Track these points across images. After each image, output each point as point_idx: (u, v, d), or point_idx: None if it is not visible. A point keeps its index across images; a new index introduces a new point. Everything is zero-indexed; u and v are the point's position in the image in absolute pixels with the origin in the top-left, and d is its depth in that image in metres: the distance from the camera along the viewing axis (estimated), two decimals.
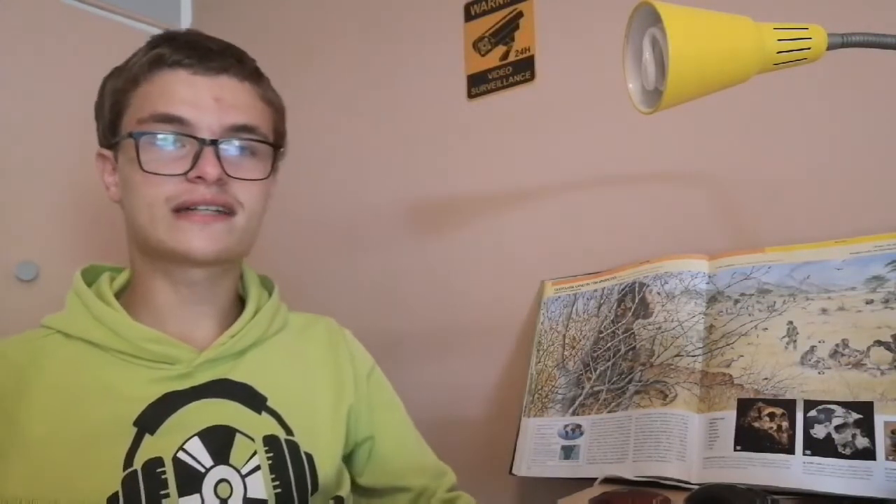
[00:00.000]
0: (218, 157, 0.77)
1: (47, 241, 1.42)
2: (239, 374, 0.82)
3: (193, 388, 0.79)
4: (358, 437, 0.92)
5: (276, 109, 0.88)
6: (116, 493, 0.72)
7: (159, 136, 0.77)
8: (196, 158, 0.77)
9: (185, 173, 0.77)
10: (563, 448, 1.02)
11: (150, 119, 0.77)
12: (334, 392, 0.90)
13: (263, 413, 0.82)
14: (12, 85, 1.40)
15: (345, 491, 0.88)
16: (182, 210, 0.77)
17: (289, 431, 0.83)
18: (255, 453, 0.79)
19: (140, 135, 0.76)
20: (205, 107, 0.78)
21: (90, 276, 0.84)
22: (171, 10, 1.69)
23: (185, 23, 1.71)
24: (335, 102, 1.51)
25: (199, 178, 0.77)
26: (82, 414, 0.74)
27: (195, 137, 0.77)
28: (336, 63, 1.51)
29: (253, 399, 0.82)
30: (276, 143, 0.85)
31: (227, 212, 0.80)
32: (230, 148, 0.80)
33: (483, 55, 1.30)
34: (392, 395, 0.98)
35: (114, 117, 0.81)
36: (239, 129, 0.80)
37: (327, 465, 0.84)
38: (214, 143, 0.78)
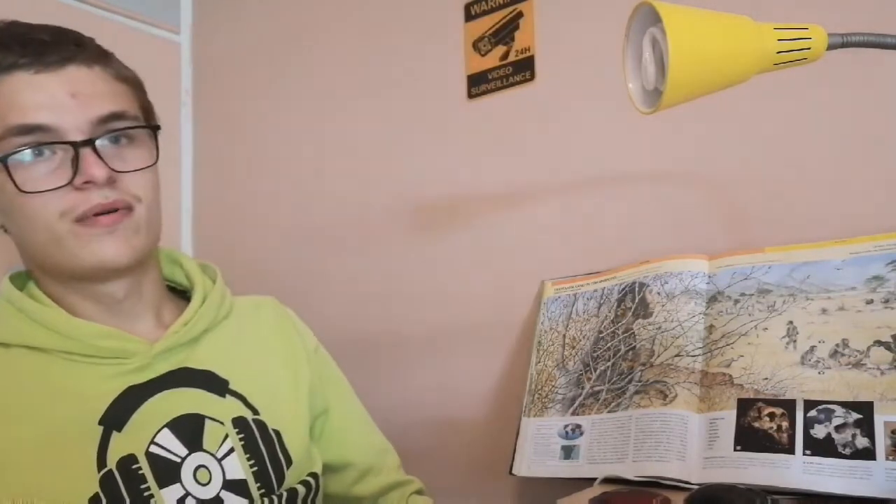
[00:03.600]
0: (98, 155, 0.73)
1: None
2: (197, 361, 0.82)
3: (153, 380, 0.78)
4: (316, 411, 0.93)
5: (135, 85, 0.81)
6: (97, 494, 0.71)
7: (27, 152, 0.71)
8: (76, 163, 0.72)
9: (71, 181, 0.72)
10: (563, 448, 1.02)
11: (7, 135, 0.71)
12: (290, 369, 0.91)
13: (228, 396, 0.82)
14: None
15: (318, 467, 0.89)
16: (83, 220, 0.74)
17: (255, 411, 0.83)
18: (226, 436, 0.80)
19: (5, 157, 0.71)
20: (62, 106, 0.72)
21: (18, 283, 0.81)
22: (171, 11, 1.68)
23: (185, 23, 1.71)
24: (335, 102, 1.51)
25: (88, 182, 0.72)
26: (41, 420, 0.73)
27: (66, 142, 0.72)
28: (336, 63, 1.51)
29: (216, 384, 0.82)
30: (152, 124, 0.79)
31: (126, 208, 0.76)
32: (106, 142, 0.74)
33: (483, 55, 1.30)
34: (338, 371, 1.00)
35: None
36: (108, 119, 0.74)
37: (296, 441, 0.85)
38: (90, 142, 0.72)
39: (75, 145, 0.72)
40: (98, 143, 0.73)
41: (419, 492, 0.99)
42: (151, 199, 0.79)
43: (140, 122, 0.78)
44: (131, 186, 0.76)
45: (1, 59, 0.71)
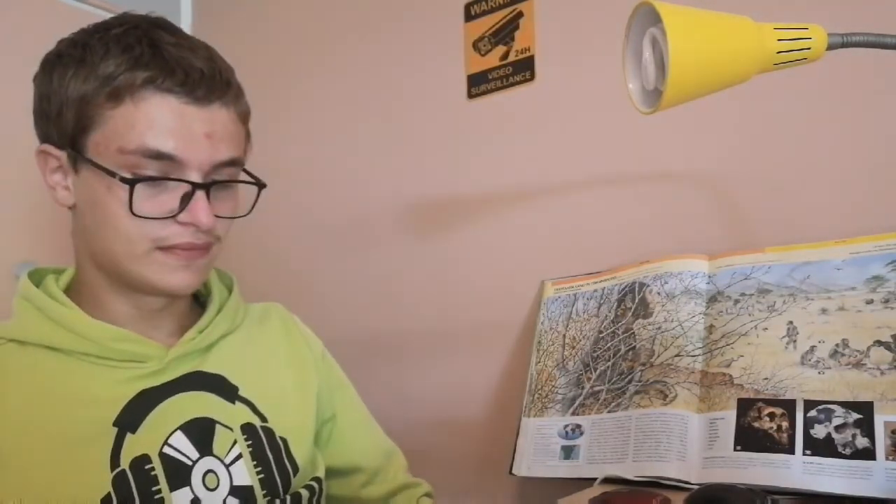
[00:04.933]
0: (208, 199, 0.75)
1: (47, 241, 1.42)
2: (210, 365, 0.83)
3: (168, 384, 0.79)
4: (324, 417, 0.94)
5: (247, 119, 0.84)
6: (109, 493, 0.71)
7: (154, 184, 0.73)
8: (186, 201, 0.74)
9: (175, 216, 0.74)
10: (563, 448, 1.02)
11: (136, 152, 0.72)
12: (298, 376, 0.91)
13: (237, 403, 0.83)
14: (12, 85, 1.40)
15: (321, 472, 0.90)
16: (166, 248, 0.76)
17: (263, 419, 0.84)
18: (235, 442, 0.80)
19: (135, 180, 0.72)
20: (196, 144, 0.74)
21: (35, 280, 0.81)
22: (171, 11, 1.68)
23: (185, 23, 1.71)
24: (335, 102, 1.51)
25: (191, 223, 0.75)
26: (56, 420, 0.73)
27: (186, 181, 0.74)
28: (336, 63, 1.51)
29: (226, 390, 0.83)
30: (260, 182, 0.82)
31: (208, 247, 0.79)
32: (221, 184, 0.78)
33: (483, 55, 1.30)
34: (343, 376, 1.00)
35: (78, 128, 0.74)
36: (226, 164, 0.77)
37: (301, 448, 0.86)
38: (207, 187, 0.75)
39: (195, 186, 0.74)
40: (213, 189, 0.76)
41: (428, 495, 0.99)
42: (225, 238, 0.82)
43: (244, 163, 0.81)
44: (218, 228, 0.78)
45: (157, 78, 0.73)
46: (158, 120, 0.73)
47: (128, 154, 0.72)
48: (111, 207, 0.74)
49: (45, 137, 0.78)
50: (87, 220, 0.78)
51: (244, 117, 0.82)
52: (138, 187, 0.72)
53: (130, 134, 0.72)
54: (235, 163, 0.79)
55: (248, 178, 0.82)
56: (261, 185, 0.83)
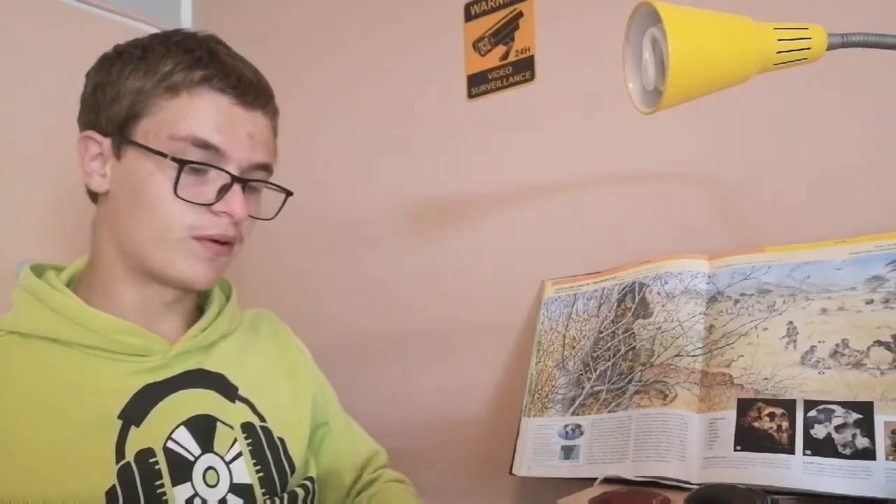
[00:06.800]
0: (243, 195, 0.80)
1: (48, 241, 1.42)
2: (212, 364, 0.84)
3: (171, 379, 0.80)
4: (318, 422, 0.96)
5: (276, 135, 0.89)
6: (114, 486, 0.72)
7: (195, 173, 0.77)
8: (223, 192, 0.79)
9: (211, 204, 0.78)
10: (563, 448, 1.02)
11: (185, 140, 0.77)
12: (291, 379, 0.93)
13: (237, 402, 0.84)
14: (12, 85, 1.40)
15: (313, 472, 0.91)
16: (199, 238, 0.78)
17: (262, 419, 0.85)
18: (235, 441, 0.81)
19: (185, 161, 0.76)
20: (239, 141, 0.79)
21: (36, 274, 0.82)
22: (171, 10, 1.69)
23: (185, 23, 1.71)
24: (335, 102, 1.51)
25: (226, 213, 0.79)
26: (59, 412, 0.73)
27: (226, 172, 0.78)
28: (336, 63, 1.51)
29: (227, 388, 0.84)
30: (288, 190, 0.88)
31: (233, 244, 0.82)
32: (252, 186, 0.83)
33: (483, 55, 1.30)
34: (328, 383, 1.02)
35: (130, 115, 0.79)
36: (260, 167, 0.82)
37: (298, 449, 0.88)
38: (244, 181, 0.80)
39: (234, 178, 0.79)
40: (249, 185, 0.82)
41: (398, 480, 1.00)
42: (246, 240, 0.86)
43: (285, 189, 0.88)
44: (244, 228, 0.83)
45: (217, 79, 0.79)
46: (209, 114, 0.78)
47: (177, 140, 0.77)
48: (154, 190, 0.77)
49: (90, 125, 0.82)
50: (122, 205, 0.80)
51: (275, 132, 0.88)
52: (188, 175, 0.77)
53: (182, 123, 0.77)
54: (267, 168, 0.84)
55: (276, 186, 0.87)
56: (288, 193, 0.88)
